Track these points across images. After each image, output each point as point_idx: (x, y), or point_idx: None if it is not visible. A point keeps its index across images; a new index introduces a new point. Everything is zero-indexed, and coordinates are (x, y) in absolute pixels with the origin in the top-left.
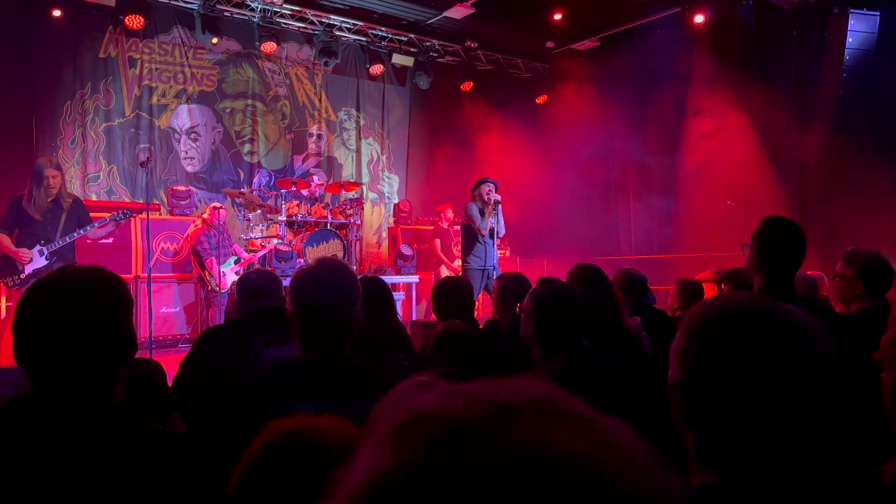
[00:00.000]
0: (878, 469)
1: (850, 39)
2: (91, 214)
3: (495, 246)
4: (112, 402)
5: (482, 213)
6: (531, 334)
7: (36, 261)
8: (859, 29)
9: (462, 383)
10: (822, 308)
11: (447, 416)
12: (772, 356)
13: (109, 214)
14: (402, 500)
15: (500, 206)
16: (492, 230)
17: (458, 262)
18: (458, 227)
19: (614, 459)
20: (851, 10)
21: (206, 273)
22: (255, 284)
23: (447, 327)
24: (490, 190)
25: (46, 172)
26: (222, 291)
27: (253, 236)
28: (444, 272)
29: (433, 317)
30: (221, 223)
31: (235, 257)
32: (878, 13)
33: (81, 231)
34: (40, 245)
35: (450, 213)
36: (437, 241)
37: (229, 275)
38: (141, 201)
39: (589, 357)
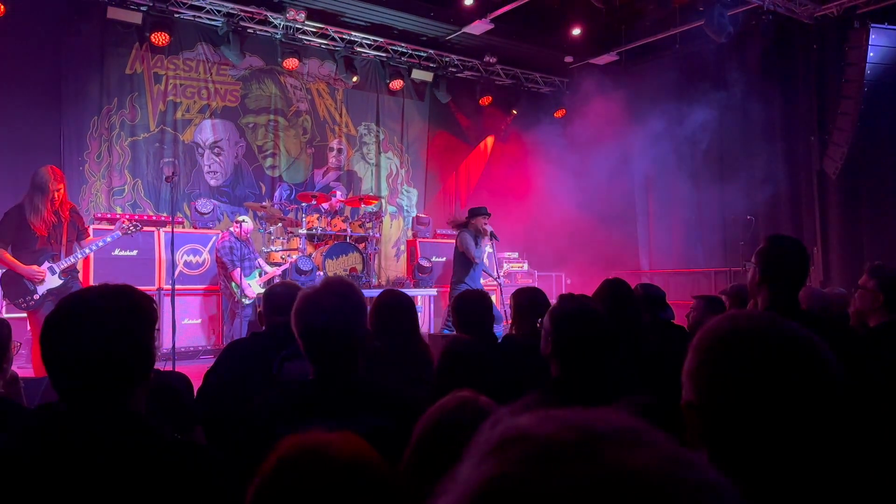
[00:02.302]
0: None
1: (871, 54)
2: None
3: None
4: (133, 412)
5: (476, 243)
6: (549, 353)
7: (49, 280)
8: (880, 43)
9: (551, 409)
10: (831, 323)
11: (541, 437)
12: (782, 373)
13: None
14: None
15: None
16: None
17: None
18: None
19: (694, 480)
20: (872, 25)
21: (233, 283)
22: (281, 298)
23: (452, 343)
24: (486, 222)
25: (52, 186)
26: (247, 302)
27: (274, 249)
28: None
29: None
30: (245, 236)
31: (259, 270)
32: None
33: (89, 249)
34: (49, 262)
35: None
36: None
37: (255, 287)
38: (165, 214)
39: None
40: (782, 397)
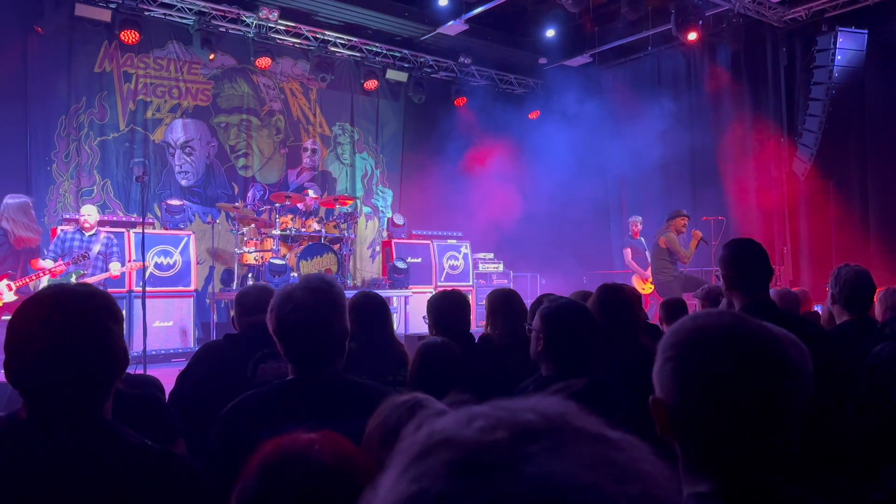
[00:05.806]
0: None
1: (839, 57)
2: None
3: None
4: (104, 419)
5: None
6: (540, 351)
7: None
8: (847, 46)
9: (479, 404)
10: (802, 322)
11: (465, 442)
12: (740, 370)
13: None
14: None
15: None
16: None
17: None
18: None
19: (629, 493)
20: (840, 29)
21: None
22: (254, 299)
23: (427, 344)
24: (684, 223)
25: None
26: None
27: (246, 250)
28: (636, 282)
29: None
30: (91, 228)
31: (79, 271)
32: (865, 31)
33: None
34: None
35: (639, 226)
36: (629, 251)
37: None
38: (135, 215)
39: (602, 379)
40: (741, 393)
